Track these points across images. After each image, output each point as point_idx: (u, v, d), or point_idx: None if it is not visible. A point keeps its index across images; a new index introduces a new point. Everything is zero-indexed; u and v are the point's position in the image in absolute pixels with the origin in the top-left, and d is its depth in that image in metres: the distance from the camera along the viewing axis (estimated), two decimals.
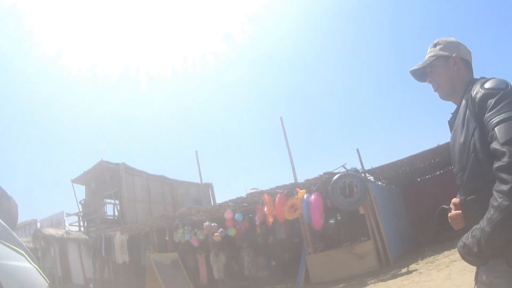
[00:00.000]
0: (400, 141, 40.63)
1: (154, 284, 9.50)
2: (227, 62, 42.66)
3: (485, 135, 1.26)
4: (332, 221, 13.72)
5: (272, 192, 10.50)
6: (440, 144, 10.61)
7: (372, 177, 12.13)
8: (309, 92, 43.41)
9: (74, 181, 17.47)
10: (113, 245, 12.69)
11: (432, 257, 8.93)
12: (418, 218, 12.98)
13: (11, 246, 1.52)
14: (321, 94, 44.31)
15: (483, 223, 1.20)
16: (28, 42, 33.50)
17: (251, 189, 12.14)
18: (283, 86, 43.77)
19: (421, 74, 1.65)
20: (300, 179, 11.63)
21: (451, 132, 1.51)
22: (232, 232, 10.86)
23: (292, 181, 12.11)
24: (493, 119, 1.23)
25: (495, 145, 1.19)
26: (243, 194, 11.63)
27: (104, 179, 16.57)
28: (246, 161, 45.91)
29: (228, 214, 10.75)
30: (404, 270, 8.36)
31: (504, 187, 1.12)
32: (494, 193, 1.16)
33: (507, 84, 1.33)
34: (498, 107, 1.24)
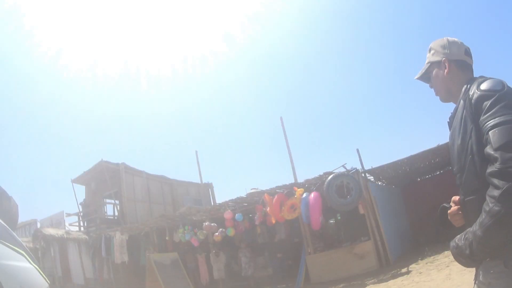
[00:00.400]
0: (400, 141, 40.65)
1: (154, 284, 9.50)
2: (227, 62, 42.68)
3: (481, 137, 1.26)
4: (332, 221, 13.73)
5: (272, 192, 10.51)
6: (440, 144, 10.62)
7: (372, 177, 12.14)
8: (309, 92, 43.45)
9: (74, 181, 17.47)
10: (113, 245, 12.69)
11: (432, 257, 8.93)
12: (418, 218, 12.98)
13: (11, 246, 1.52)
14: (321, 94, 44.35)
15: (475, 226, 1.22)
16: (28, 42, 33.49)
17: (251, 189, 12.15)
18: (283, 86, 43.80)
19: (427, 78, 1.68)
20: (300, 179, 11.63)
21: (450, 131, 1.52)
22: (231, 232, 10.85)
23: (292, 181, 12.09)
24: (487, 123, 1.22)
25: (488, 150, 1.19)
26: (243, 194, 11.65)
27: (104, 179, 16.57)
28: (246, 161, 45.94)
29: (227, 214, 10.75)
30: (404, 270, 8.36)
31: (495, 193, 1.14)
32: (487, 197, 1.18)
33: (503, 85, 1.31)
34: (493, 110, 1.24)
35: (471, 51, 1.58)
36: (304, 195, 9.65)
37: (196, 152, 16.94)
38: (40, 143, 40.92)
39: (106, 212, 17.51)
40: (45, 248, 14.07)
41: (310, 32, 39.72)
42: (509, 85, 1.33)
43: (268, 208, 10.08)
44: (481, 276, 1.35)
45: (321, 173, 10.24)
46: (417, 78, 1.70)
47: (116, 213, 17.22)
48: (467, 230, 1.29)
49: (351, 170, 10.19)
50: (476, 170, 1.29)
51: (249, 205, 11.51)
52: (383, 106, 43.71)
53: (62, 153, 40.06)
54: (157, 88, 41.49)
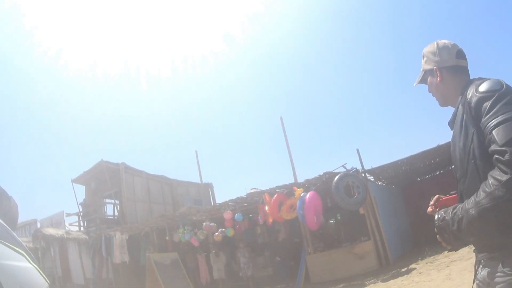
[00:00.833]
0: (400, 141, 40.67)
1: (154, 284, 9.50)
2: (227, 62, 42.65)
3: (484, 140, 1.24)
4: (332, 221, 13.73)
5: (272, 192, 10.51)
6: (440, 144, 10.63)
7: (372, 177, 12.14)
8: (309, 92, 43.44)
9: (74, 181, 17.47)
10: (113, 245, 12.69)
11: (432, 257, 8.93)
12: (418, 218, 12.96)
13: (11, 246, 1.52)
14: (321, 94, 44.35)
15: (468, 204, 1.19)
16: (28, 42, 33.49)
17: (251, 189, 12.14)
18: (283, 86, 43.78)
19: (426, 81, 1.69)
20: (300, 179, 11.64)
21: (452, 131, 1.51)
22: (230, 232, 10.84)
23: (292, 181, 12.10)
24: (490, 123, 1.20)
25: (494, 147, 1.16)
26: (243, 194, 11.64)
27: (104, 179, 16.57)
28: (246, 161, 45.95)
29: (227, 215, 10.74)
30: (404, 270, 8.36)
31: (503, 177, 1.10)
32: (489, 179, 1.14)
33: (501, 84, 1.29)
34: (494, 110, 1.21)
35: (464, 52, 1.55)
36: (302, 194, 9.64)
37: (196, 152, 16.99)
38: (40, 143, 40.92)
39: (106, 212, 17.52)
40: (45, 248, 14.06)
41: (310, 32, 39.74)
42: (507, 84, 1.31)
43: (267, 208, 10.08)
44: (480, 275, 1.35)
45: (321, 173, 10.25)
46: (417, 84, 1.71)
47: (116, 213, 17.23)
48: (457, 206, 1.27)
49: (351, 170, 10.19)
50: (479, 174, 1.27)
51: (249, 205, 11.51)
52: (383, 106, 43.74)
53: (62, 153, 40.07)
54: (157, 88, 41.50)
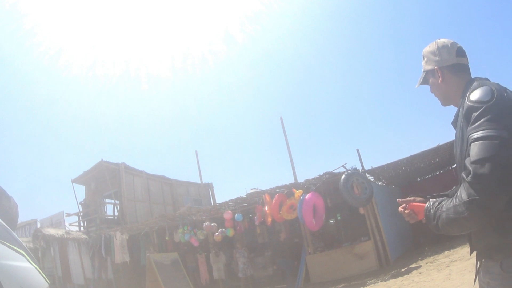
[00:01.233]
0: (400, 141, 40.70)
1: (154, 284, 9.51)
2: (227, 62, 42.63)
3: None
4: (332, 221, 13.73)
5: (272, 192, 10.51)
6: (440, 144, 10.62)
7: (372, 177, 12.14)
8: (309, 92, 43.47)
9: (74, 181, 17.47)
10: (113, 245, 12.69)
11: (432, 257, 8.93)
12: None
13: (11, 246, 1.52)
14: (321, 94, 44.38)
15: (445, 206, 1.28)
16: (28, 42, 33.46)
17: (251, 189, 12.15)
18: (283, 86, 43.81)
19: (427, 82, 1.68)
20: (300, 179, 11.63)
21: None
22: (230, 232, 10.83)
23: (292, 181, 12.10)
24: (471, 135, 1.24)
25: (466, 162, 1.22)
26: (243, 194, 11.64)
27: (104, 179, 16.57)
28: (246, 161, 45.98)
29: (227, 215, 10.74)
30: (404, 270, 8.36)
31: (463, 197, 1.19)
32: (459, 191, 1.22)
33: (492, 95, 1.28)
34: (478, 123, 1.24)
35: (463, 49, 1.55)
36: (302, 195, 9.63)
37: (196, 152, 16.96)
38: (40, 143, 40.96)
39: (106, 212, 17.50)
40: (45, 248, 14.08)
41: (310, 32, 39.71)
42: (500, 91, 1.30)
43: (267, 208, 10.07)
44: (481, 275, 1.37)
45: (321, 173, 10.24)
46: (418, 85, 1.71)
47: (116, 213, 17.22)
48: (441, 201, 1.33)
49: (351, 170, 10.18)
50: None
51: (249, 205, 11.51)
52: (383, 106, 43.78)
53: (62, 153, 40.11)
54: (157, 88, 41.45)
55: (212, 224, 11.07)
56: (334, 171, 10.25)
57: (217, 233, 10.91)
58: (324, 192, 10.03)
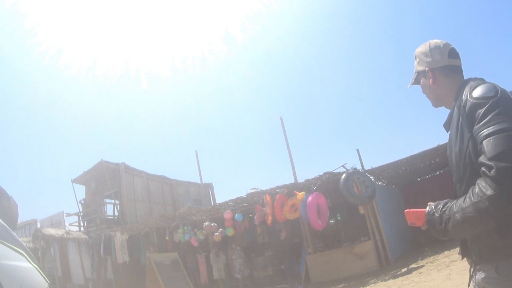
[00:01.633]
0: (400, 141, 40.71)
1: (154, 284, 9.52)
2: (227, 62, 42.64)
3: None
4: (332, 221, 13.72)
5: (272, 192, 10.50)
6: (440, 144, 10.62)
7: (372, 177, 12.13)
8: (309, 92, 43.47)
9: (74, 181, 17.49)
10: (113, 245, 12.70)
11: (432, 257, 8.93)
12: None
13: (11, 246, 1.52)
14: (321, 94, 44.38)
15: (456, 208, 1.21)
16: (28, 42, 33.46)
17: (251, 189, 12.15)
18: (283, 86, 43.82)
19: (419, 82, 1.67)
20: (300, 179, 11.63)
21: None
22: (230, 232, 10.83)
23: (292, 181, 12.10)
24: (481, 132, 1.19)
25: (482, 159, 1.16)
26: (243, 194, 11.64)
27: (104, 179, 16.58)
28: (246, 161, 46.01)
29: (227, 214, 10.74)
30: (404, 270, 8.36)
31: (487, 191, 1.11)
32: (476, 187, 1.15)
33: (496, 90, 1.25)
34: (486, 119, 1.19)
35: (457, 51, 1.52)
36: (305, 196, 9.63)
37: (196, 152, 16.94)
38: (40, 143, 40.97)
39: (106, 212, 17.52)
40: (45, 248, 14.10)
41: (310, 32, 39.72)
42: (501, 88, 1.28)
43: (268, 208, 10.06)
44: (476, 278, 1.35)
45: (321, 173, 10.25)
46: (410, 86, 1.69)
47: (116, 213, 17.23)
48: (446, 203, 1.28)
49: (351, 170, 10.17)
50: (475, 180, 1.24)
51: (249, 205, 11.51)
52: (383, 106, 43.78)
53: (62, 153, 40.11)
54: (157, 88, 41.46)
55: (212, 224, 11.07)
56: (334, 171, 10.25)
57: (217, 233, 10.91)
58: (324, 192, 10.02)
